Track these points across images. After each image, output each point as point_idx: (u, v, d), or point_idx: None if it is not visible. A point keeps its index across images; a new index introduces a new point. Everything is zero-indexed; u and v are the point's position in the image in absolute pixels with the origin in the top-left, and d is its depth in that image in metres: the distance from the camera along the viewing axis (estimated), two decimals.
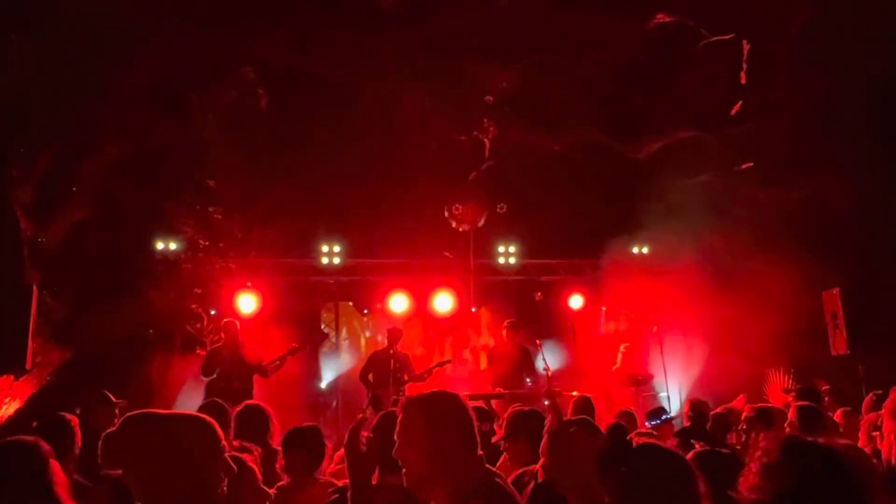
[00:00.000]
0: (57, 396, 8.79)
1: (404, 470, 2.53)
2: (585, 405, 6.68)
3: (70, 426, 4.07)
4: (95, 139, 10.72)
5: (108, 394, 6.47)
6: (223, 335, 9.46)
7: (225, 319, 9.65)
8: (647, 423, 7.22)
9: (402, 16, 10.99)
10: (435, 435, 2.50)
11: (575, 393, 8.51)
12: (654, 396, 11.55)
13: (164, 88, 10.70)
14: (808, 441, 1.94)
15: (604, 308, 13.05)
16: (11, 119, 9.27)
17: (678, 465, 2.50)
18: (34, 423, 4.46)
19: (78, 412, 5.63)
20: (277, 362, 9.14)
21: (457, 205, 12.19)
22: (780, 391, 10.48)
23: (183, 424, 2.14)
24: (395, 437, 2.55)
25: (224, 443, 2.17)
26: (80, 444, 4.10)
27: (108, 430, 2.08)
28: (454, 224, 12.22)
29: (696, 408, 6.91)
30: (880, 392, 5.94)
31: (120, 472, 2.08)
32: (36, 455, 2.90)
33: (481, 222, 12.30)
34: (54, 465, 2.95)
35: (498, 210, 12.23)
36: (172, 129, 11.38)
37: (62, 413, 4.20)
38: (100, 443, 2.06)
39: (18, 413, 9.15)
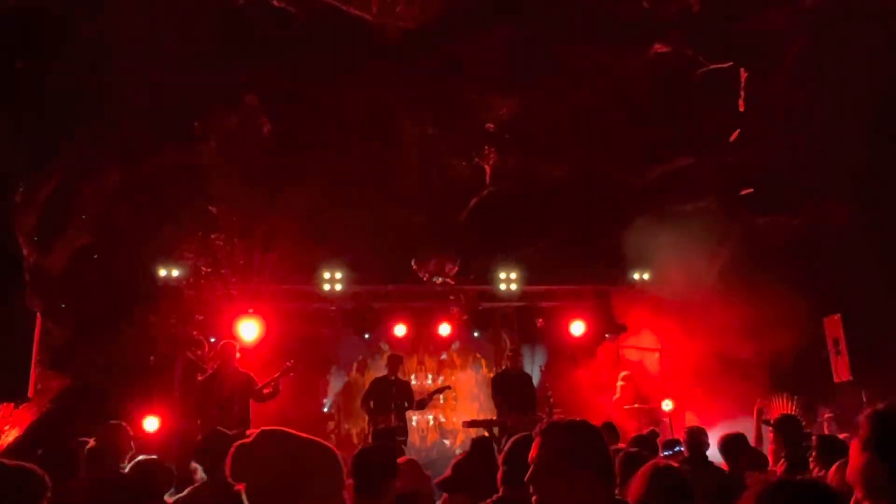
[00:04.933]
0: (56, 424, 8.73)
1: (535, 497, 2.50)
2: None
3: (73, 454, 4.05)
4: (97, 166, 10.77)
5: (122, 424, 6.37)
6: (220, 358, 9.21)
7: (223, 341, 9.37)
8: (662, 454, 7.11)
9: (406, 45, 11.10)
10: (576, 464, 2.47)
11: None
12: (657, 424, 11.47)
13: (166, 115, 10.75)
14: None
15: (607, 335, 12.99)
16: (15, 146, 9.30)
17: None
18: (39, 451, 4.44)
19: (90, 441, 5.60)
20: (272, 385, 8.85)
21: (430, 260, 12.52)
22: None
23: (316, 450, 2.14)
24: (531, 462, 2.53)
25: (346, 479, 2.17)
26: (84, 473, 4.07)
27: (242, 442, 2.04)
28: (425, 278, 12.54)
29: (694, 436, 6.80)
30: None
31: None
32: (34, 484, 2.89)
33: (451, 275, 12.49)
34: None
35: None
36: (174, 156, 11.44)
37: (67, 441, 4.18)
38: (230, 452, 2.03)
39: (17, 441, 9.08)
